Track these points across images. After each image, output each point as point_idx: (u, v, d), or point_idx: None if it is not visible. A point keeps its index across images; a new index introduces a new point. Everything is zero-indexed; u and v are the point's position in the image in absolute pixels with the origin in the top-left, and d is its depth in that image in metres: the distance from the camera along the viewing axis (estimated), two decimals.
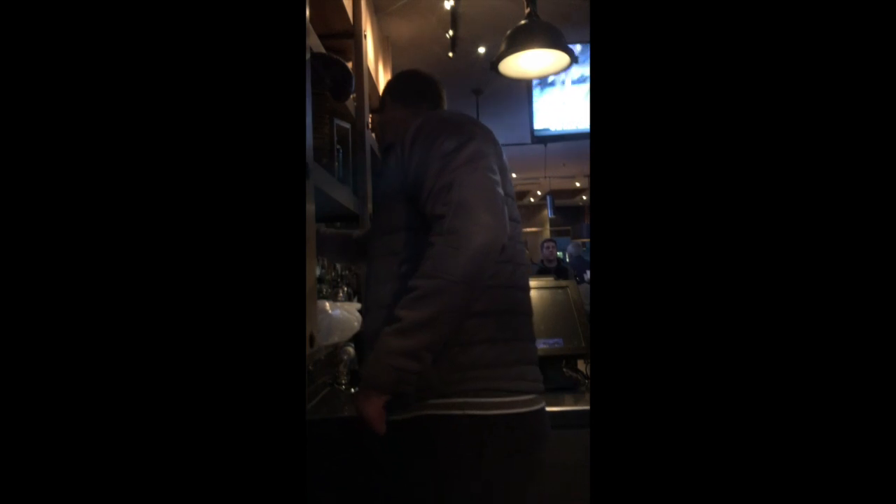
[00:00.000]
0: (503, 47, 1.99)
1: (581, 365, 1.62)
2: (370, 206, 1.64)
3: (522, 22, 1.99)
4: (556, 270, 5.12)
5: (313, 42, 1.84)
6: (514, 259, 1.00)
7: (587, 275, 5.47)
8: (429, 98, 1.21)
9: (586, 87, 4.52)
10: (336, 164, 1.26)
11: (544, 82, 4.58)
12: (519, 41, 1.95)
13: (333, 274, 1.98)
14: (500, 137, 1.03)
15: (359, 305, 1.35)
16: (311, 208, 0.92)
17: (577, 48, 3.79)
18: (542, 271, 5.07)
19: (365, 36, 2.75)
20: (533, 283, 1.59)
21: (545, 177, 8.60)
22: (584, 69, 4.44)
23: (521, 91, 4.81)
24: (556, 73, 2.18)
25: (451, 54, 4.02)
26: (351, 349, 1.78)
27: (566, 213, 11.13)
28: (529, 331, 1.04)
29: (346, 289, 2.04)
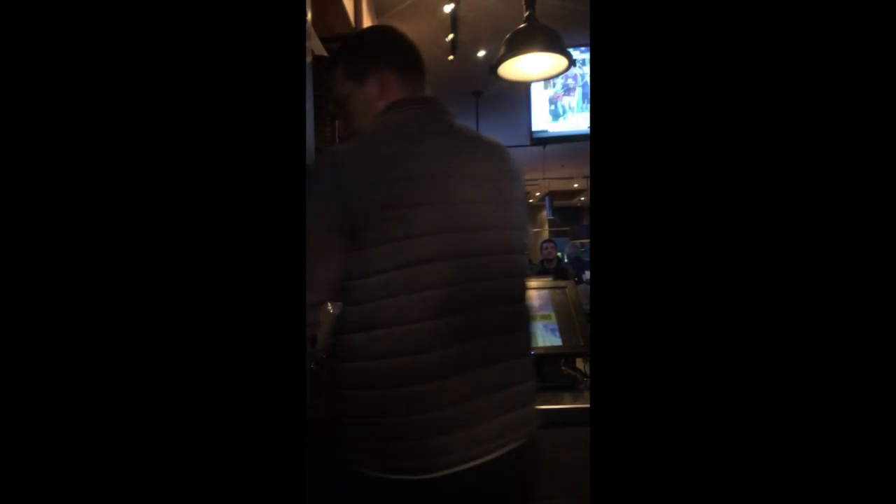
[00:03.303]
0: (502, 51, 2.00)
1: (580, 363, 1.64)
2: None
3: (521, 25, 2.01)
4: (555, 271, 5.13)
5: (315, 44, 1.85)
6: None
7: (586, 275, 5.48)
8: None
9: None
10: None
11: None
12: (518, 45, 1.96)
13: None
14: (500, 139, 1.02)
15: None
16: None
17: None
18: (541, 272, 5.09)
19: None
20: (532, 283, 1.62)
21: (544, 178, 8.61)
22: None
23: (521, 93, 4.82)
24: (555, 77, 2.19)
25: (451, 57, 4.04)
26: None
27: (565, 214, 11.14)
28: None
29: None
